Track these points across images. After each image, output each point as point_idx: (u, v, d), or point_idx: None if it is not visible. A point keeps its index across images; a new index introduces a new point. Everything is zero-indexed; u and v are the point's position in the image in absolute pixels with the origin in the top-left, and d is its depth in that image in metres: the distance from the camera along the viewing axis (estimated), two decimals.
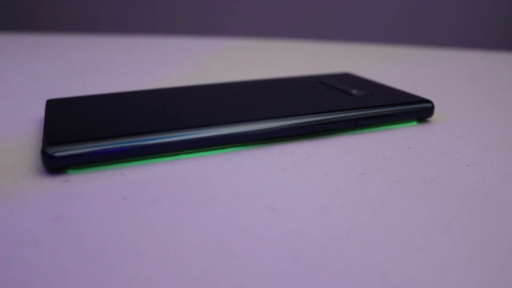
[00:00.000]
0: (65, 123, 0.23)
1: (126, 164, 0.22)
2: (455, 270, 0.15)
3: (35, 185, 0.20)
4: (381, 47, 0.57)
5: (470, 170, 0.22)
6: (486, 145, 0.25)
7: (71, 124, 0.23)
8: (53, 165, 0.20)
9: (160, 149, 0.22)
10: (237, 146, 0.24)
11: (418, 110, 0.27)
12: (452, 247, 0.16)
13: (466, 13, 1.32)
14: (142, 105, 0.26)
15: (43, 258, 0.15)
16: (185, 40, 0.61)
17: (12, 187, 0.20)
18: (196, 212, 0.18)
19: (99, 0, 1.46)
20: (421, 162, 0.23)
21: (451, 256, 0.15)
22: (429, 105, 0.28)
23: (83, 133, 0.21)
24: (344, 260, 0.15)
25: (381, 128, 0.27)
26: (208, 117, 0.24)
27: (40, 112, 0.30)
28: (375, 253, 0.15)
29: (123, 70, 0.43)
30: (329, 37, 1.38)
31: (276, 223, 0.17)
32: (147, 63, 0.46)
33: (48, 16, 1.50)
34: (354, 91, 0.29)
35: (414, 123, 0.28)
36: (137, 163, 0.22)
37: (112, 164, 0.21)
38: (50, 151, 0.20)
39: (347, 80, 0.32)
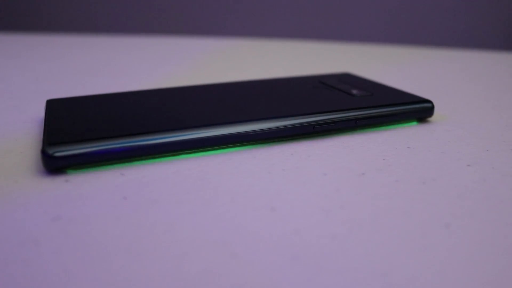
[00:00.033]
0: (65, 123, 0.23)
1: (126, 164, 0.22)
2: (455, 270, 0.15)
3: (35, 185, 0.20)
4: (381, 47, 0.57)
5: (470, 170, 0.22)
6: (486, 145, 0.25)
7: (71, 124, 0.23)
8: (53, 165, 0.20)
9: (160, 149, 0.22)
10: (237, 146, 0.24)
11: (418, 110, 0.27)
12: (452, 247, 0.16)
13: (466, 13, 1.32)
14: (142, 105, 0.26)
15: (43, 258, 0.15)
16: (185, 40, 0.61)
17: (12, 187, 0.20)
18: (196, 212, 0.18)
19: (99, 0, 1.46)
20: (421, 162, 0.23)
21: (451, 256, 0.15)
22: (429, 105, 0.28)
23: (83, 133, 0.21)
24: (344, 260, 0.15)
25: (381, 128, 0.27)
26: (208, 117, 0.24)
27: (40, 112, 0.30)
28: (375, 253, 0.15)
29: (123, 70, 0.43)
30: (329, 37, 1.38)
31: (276, 223, 0.17)
32: (147, 63, 0.46)
33: (48, 16, 1.50)
34: (354, 91, 0.29)
35: (414, 123, 0.28)
36: (137, 163, 0.22)
37: (112, 164, 0.21)
38: (50, 151, 0.20)
39: (347, 80, 0.32)
